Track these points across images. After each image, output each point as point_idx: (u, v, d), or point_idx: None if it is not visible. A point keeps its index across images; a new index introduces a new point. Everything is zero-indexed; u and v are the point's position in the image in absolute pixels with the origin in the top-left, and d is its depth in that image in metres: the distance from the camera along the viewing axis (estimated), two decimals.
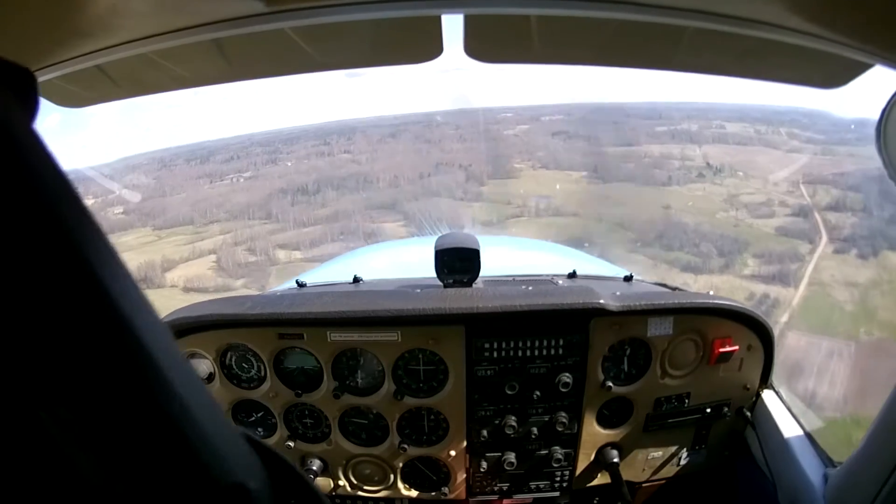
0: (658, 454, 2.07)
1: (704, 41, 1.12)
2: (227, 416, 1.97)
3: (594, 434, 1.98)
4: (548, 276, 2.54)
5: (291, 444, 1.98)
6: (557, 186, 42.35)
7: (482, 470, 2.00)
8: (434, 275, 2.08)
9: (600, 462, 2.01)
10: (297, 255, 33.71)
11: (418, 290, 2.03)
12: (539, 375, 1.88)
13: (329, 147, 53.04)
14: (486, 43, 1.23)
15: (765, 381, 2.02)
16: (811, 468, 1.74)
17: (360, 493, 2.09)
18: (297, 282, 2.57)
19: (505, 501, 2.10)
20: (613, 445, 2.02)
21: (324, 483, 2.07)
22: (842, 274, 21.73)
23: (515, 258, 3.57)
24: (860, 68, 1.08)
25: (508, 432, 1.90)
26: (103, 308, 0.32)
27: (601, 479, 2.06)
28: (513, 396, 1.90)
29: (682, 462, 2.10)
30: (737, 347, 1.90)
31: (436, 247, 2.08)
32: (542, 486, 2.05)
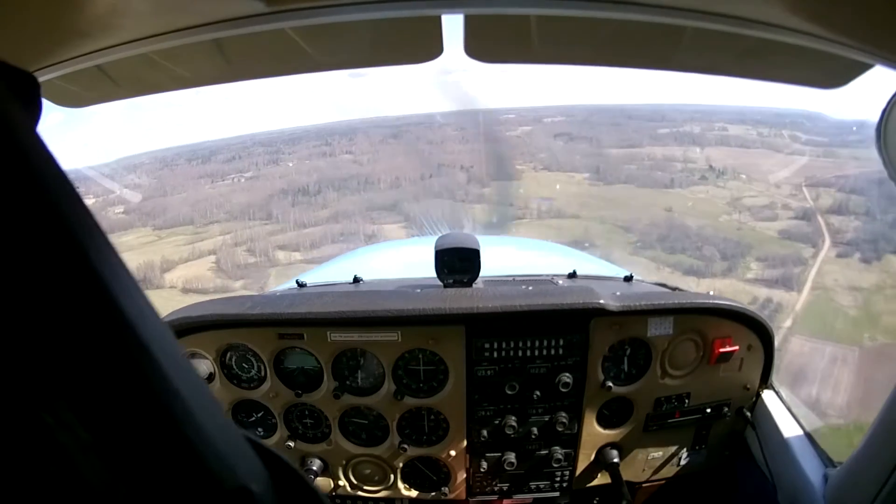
0: (658, 454, 2.07)
1: (704, 41, 1.12)
2: (227, 416, 1.98)
3: (594, 434, 1.98)
4: (548, 276, 2.54)
5: (291, 444, 1.98)
6: (557, 187, 42.33)
7: (482, 470, 2.00)
8: (434, 275, 2.09)
9: (600, 462, 2.01)
10: (297, 256, 33.76)
11: (418, 290, 2.04)
12: (539, 375, 1.88)
13: (331, 147, 53.14)
14: (487, 43, 1.22)
15: (765, 382, 2.02)
16: (811, 468, 1.74)
17: (360, 493, 2.09)
18: (297, 282, 2.58)
19: (505, 501, 2.10)
20: (613, 445, 2.02)
21: (324, 483, 2.07)
22: (845, 278, 21.66)
23: (515, 258, 3.58)
24: (860, 68, 1.08)
25: (508, 432, 1.90)
26: (105, 309, 0.32)
27: (601, 479, 2.06)
28: (513, 396, 1.90)
29: (683, 462, 2.10)
30: (737, 347, 1.90)
31: (436, 247, 2.08)
32: (542, 486, 2.05)
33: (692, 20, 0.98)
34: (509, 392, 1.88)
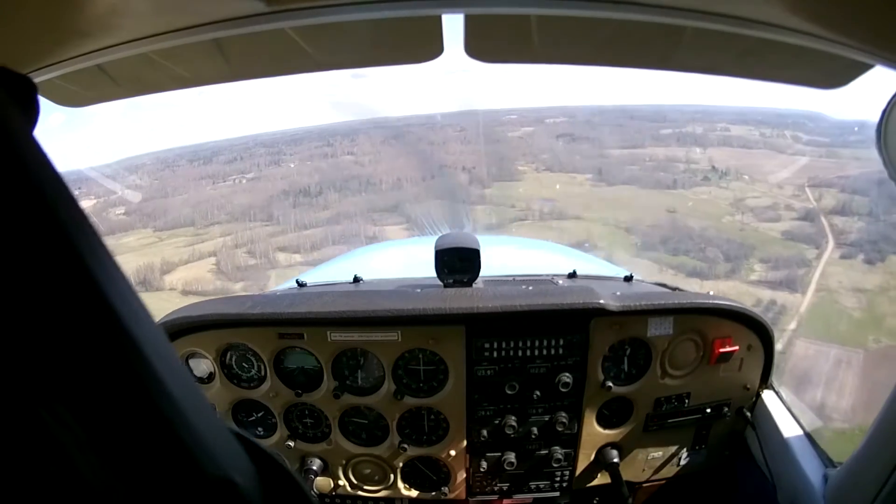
0: (658, 454, 2.07)
1: (704, 41, 1.12)
2: (228, 415, 1.98)
3: (594, 434, 1.98)
4: (548, 275, 2.54)
5: (291, 443, 1.98)
6: (557, 187, 42.27)
7: (482, 470, 2.00)
8: (434, 275, 2.09)
9: (600, 462, 2.01)
10: (298, 258, 33.72)
11: (418, 290, 2.04)
12: (539, 375, 1.88)
13: (332, 148, 53.15)
14: (487, 43, 1.22)
15: (765, 382, 2.02)
16: (811, 468, 1.74)
17: (360, 492, 2.09)
18: (297, 281, 2.58)
19: (505, 501, 2.09)
20: (613, 445, 2.01)
21: (324, 483, 2.07)
22: (849, 279, 21.57)
23: (515, 258, 3.57)
24: (860, 68, 1.07)
25: (508, 432, 1.90)
26: (100, 310, 0.33)
27: (601, 479, 2.06)
28: (513, 396, 1.90)
29: (683, 462, 2.10)
30: (737, 347, 1.90)
31: (436, 247, 2.08)
32: (542, 486, 2.05)
33: (692, 20, 0.98)
34: (509, 392, 1.88)
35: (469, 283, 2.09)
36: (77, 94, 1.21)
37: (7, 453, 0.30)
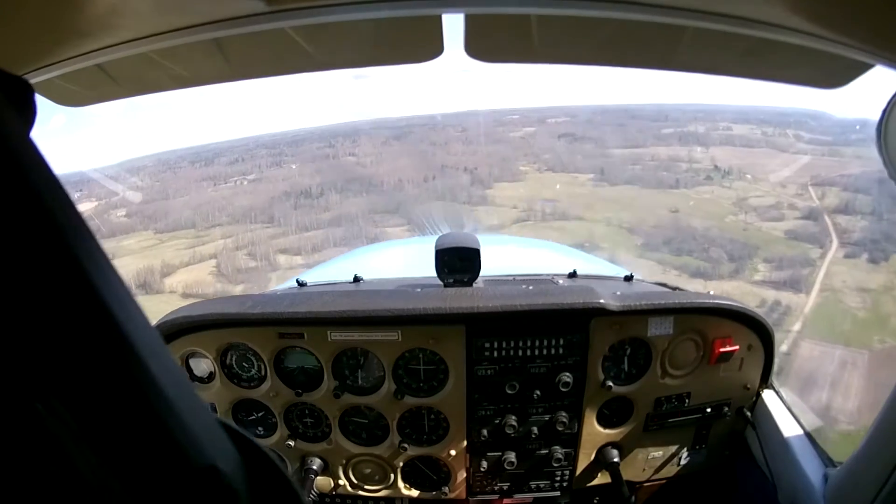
0: (658, 454, 2.07)
1: (705, 41, 1.12)
2: (228, 415, 1.99)
3: (594, 434, 1.98)
4: (548, 275, 2.54)
5: (292, 443, 1.99)
6: (557, 187, 42.19)
7: (482, 469, 2.00)
8: (434, 274, 2.09)
9: (600, 462, 2.01)
10: (299, 260, 33.60)
11: (419, 290, 2.04)
12: (539, 375, 1.88)
13: (334, 149, 53.12)
14: (487, 42, 1.22)
15: (765, 381, 2.02)
16: (811, 468, 1.74)
17: (360, 492, 2.09)
18: (297, 281, 2.59)
19: (505, 501, 2.10)
20: (614, 445, 2.02)
21: (324, 482, 2.07)
22: (853, 279, 21.46)
23: (516, 258, 3.57)
24: (860, 68, 1.07)
25: (509, 432, 1.90)
26: (92, 306, 0.34)
27: (601, 478, 2.06)
28: (513, 396, 1.90)
29: (683, 462, 2.10)
30: (737, 347, 1.90)
31: (436, 246, 2.08)
32: (542, 485, 2.05)
33: (693, 20, 0.98)
34: (509, 391, 1.88)
35: (469, 283, 2.09)
36: (77, 93, 1.21)
37: (5, 446, 0.31)
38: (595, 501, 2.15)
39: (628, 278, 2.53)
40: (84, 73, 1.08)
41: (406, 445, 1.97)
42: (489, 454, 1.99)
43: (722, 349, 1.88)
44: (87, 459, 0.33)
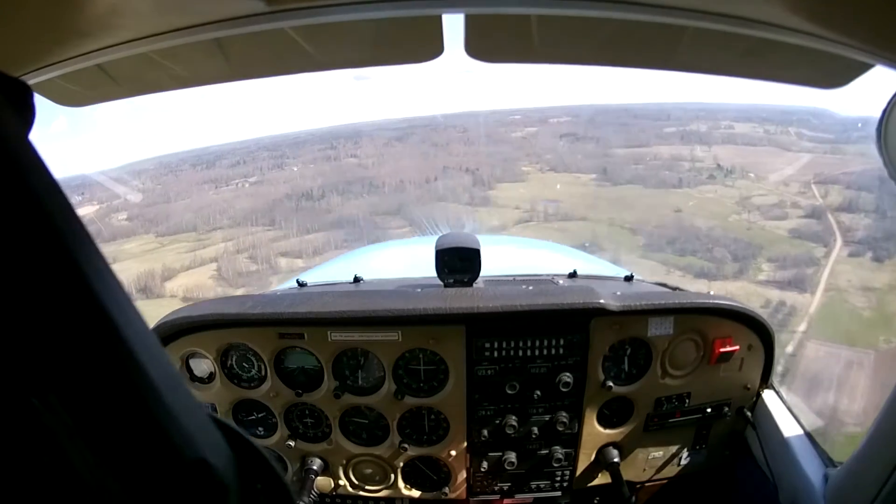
0: (659, 454, 2.07)
1: (705, 41, 1.12)
2: (228, 415, 1.99)
3: (595, 434, 1.98)
4: (548, 275, 2.54)
5: (292, 443, 1.99)
6: (558, 187, 42.10)
7: (483, 470, 2.00)
8: (434, 274, 2.09)
9: (601, 462, 2.01)
10: (300, 262, 33.50)
11: (419, 290, 2.04)
12: (539, 375, 1.88)
13: (336, 151, 53.01)
14: (487, 43, 1.22)
15: (765, 381, 2.02)
16: (812, 468, 1.74)
17: (360, 492, 2.09)
18: (297, 281, 2.59)
19: (506, 501, 2.09)
20: (614, 445, 2.02)
21: (324, 483, 2.07)
22: (858, 278, 21.33)
23: (516, 258, 3.58)
24: (860, 68, 1.07)
25: (509, 432, 1.90)
26: (89, 307, 0.34)
27: (602, 478, 2.06)
28: (513, 396, 1.90)
29: (683, 462, 2.10)
30: (737, 347, 1.90)
31: (436, 246, 2.09)
32: (542, 485, 2.05)
33: (693, 20, 0.98)
34: (510, 392, 1.88)
35: (469, 283, 2.09)
36: (77, 93, 1.22)
37: (2, 442, 0.31)
38: (595, 501, 2.15)
39: (628, 278, 2.53)
40: (84, 73, 1.08)
41: (406, 446, 1.97)
42: (489, 454, 1.99)
43: (722, 349, 1.88)
44: (81, 453, 0.34)
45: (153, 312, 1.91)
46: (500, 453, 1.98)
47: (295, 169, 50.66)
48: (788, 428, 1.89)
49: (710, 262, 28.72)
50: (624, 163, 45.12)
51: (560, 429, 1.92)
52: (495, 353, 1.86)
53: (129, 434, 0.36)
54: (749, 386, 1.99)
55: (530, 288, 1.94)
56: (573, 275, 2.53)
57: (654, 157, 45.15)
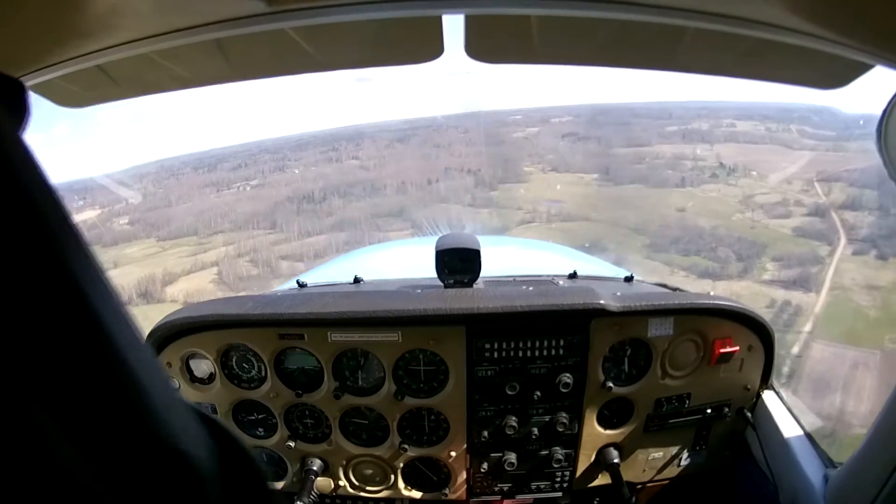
0: (659, 455, 2.07)
1: (705, 41, 1.12)
2: (228, 416, 1.99)
3: (595, 434, 1.98)
4: (548, 276, 2.54)
5: (292, 444, 1.99)
6: (558, 187, 42.00)
7: (483, 470, 2.00)
8: (435, 275, 2.09)
9: (601, 462, 2.01)
10: (301, 266, 33.37)
11: (419, 291, 2.04)
12: (539, 376, 1.88)
13: (337, 153, 52.89)
14: (487, 43, 1.23)
15: (765, 382, 2.02)
16: (812, 469, 1.74)
17: (360, 493, 2.09)
18: (297, 282, 2.59)
19: (506, 502, 2.09)
20: (614, 446, 2.01)
21: (324, 483, 2.07)
22: (863, 277, 21.20)
23: (516, 259, 3.58)
24: (860, 69, 1.07)
25: (509, 433, 1.90)
26: (79, 308, 0.35)
27: (602, 479, 2.05)
28: (513, 397, 1.89)
29: (683, 463, 2.10)
30: (737, 348, 1.89)
31: (436, 247, 2.09)
32: (542, 486, 2.05)
33: (693, 20, 0.98)
34: (510, 392, 1.88)
35: (469, 284, 2.09)
36: (78, 94, 1.22)
37: (6, 452, 0.32)
38: (596, 502, 2.15)
39: (628, 279, 2.53)
40: (85, 74, 1.09)
41: (406, 446, 1.97)
42: (490, 455, 1.99)
43: (722, 350, 1.88)
44: (66, 445, 0.34)
45: (154, 317, 1.91)
46: (501, 454, 1.98)
47: (296, 171, 50.59)
48: (788, 428, 1.89)
49: (714, 262, 28.57)
50: (626, 162, 44.98)
51: (560, 429, 1.92)
52: (495, 354, 1.86)
53: (111, 424, 0.36)
54: (749, 386, 1.99)
55: (530, 288, 1.93)
56: (573, 275, 2.53)
57: (657, 157, 45.01)
